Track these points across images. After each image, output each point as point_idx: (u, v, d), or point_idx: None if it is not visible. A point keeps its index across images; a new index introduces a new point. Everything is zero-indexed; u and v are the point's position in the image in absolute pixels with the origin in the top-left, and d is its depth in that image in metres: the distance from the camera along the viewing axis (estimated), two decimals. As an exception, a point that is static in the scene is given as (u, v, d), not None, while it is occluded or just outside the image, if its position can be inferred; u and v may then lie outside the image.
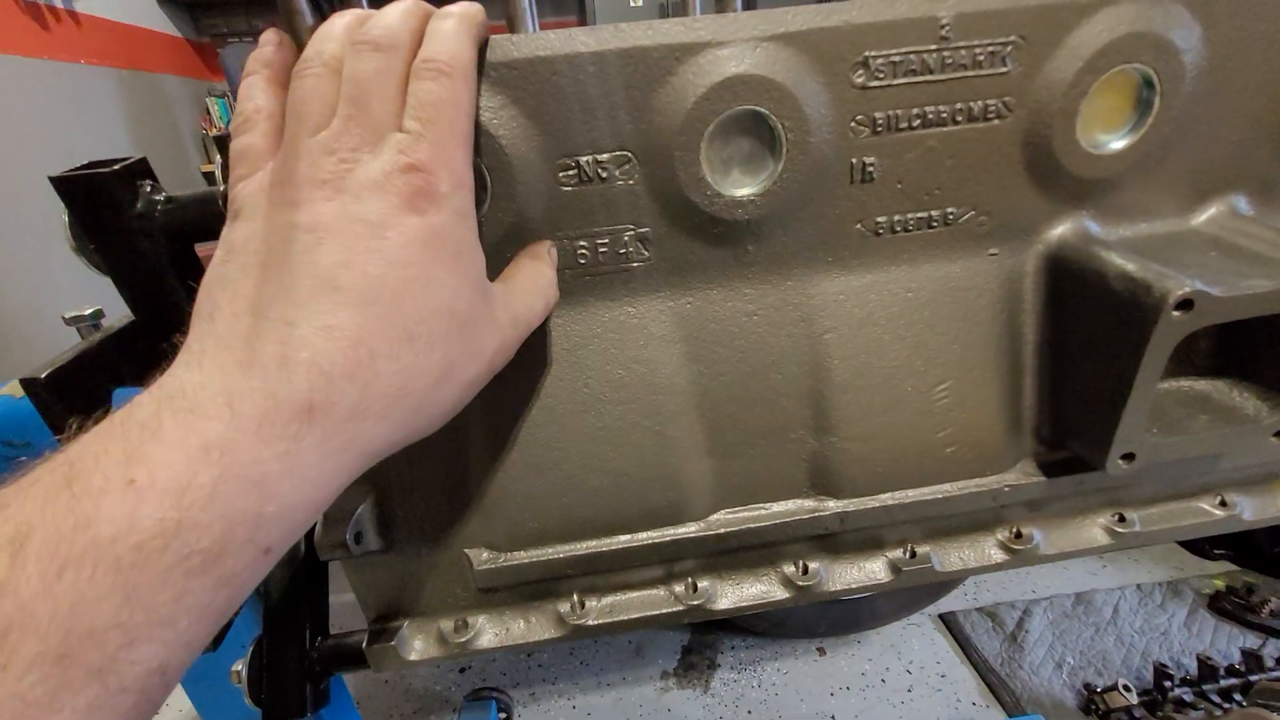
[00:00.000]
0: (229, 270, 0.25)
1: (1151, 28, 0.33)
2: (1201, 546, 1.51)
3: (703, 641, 1.37)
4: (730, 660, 1.32)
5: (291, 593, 0.39)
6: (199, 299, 0.25)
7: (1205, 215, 0.39)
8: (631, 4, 3.02)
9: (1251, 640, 1.28)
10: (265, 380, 0.21)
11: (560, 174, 0.33)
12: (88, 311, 0.39)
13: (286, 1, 0.29)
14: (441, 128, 0.25)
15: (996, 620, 1.37)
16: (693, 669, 1.32)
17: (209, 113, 3.26)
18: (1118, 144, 0.36)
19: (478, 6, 0.28)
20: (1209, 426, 0.37)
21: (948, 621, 1.37)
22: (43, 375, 0.28)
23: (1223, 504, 0.44)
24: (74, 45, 2.38)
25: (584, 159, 0.33)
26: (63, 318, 0.39)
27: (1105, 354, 0.35)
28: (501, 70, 0.30)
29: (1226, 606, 1.35)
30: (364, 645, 0.40)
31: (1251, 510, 0.44)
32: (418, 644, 0.41)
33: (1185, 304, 0.31)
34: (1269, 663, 1.16)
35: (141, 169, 0.31)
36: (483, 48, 0.30)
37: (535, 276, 0.33)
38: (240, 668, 0.39)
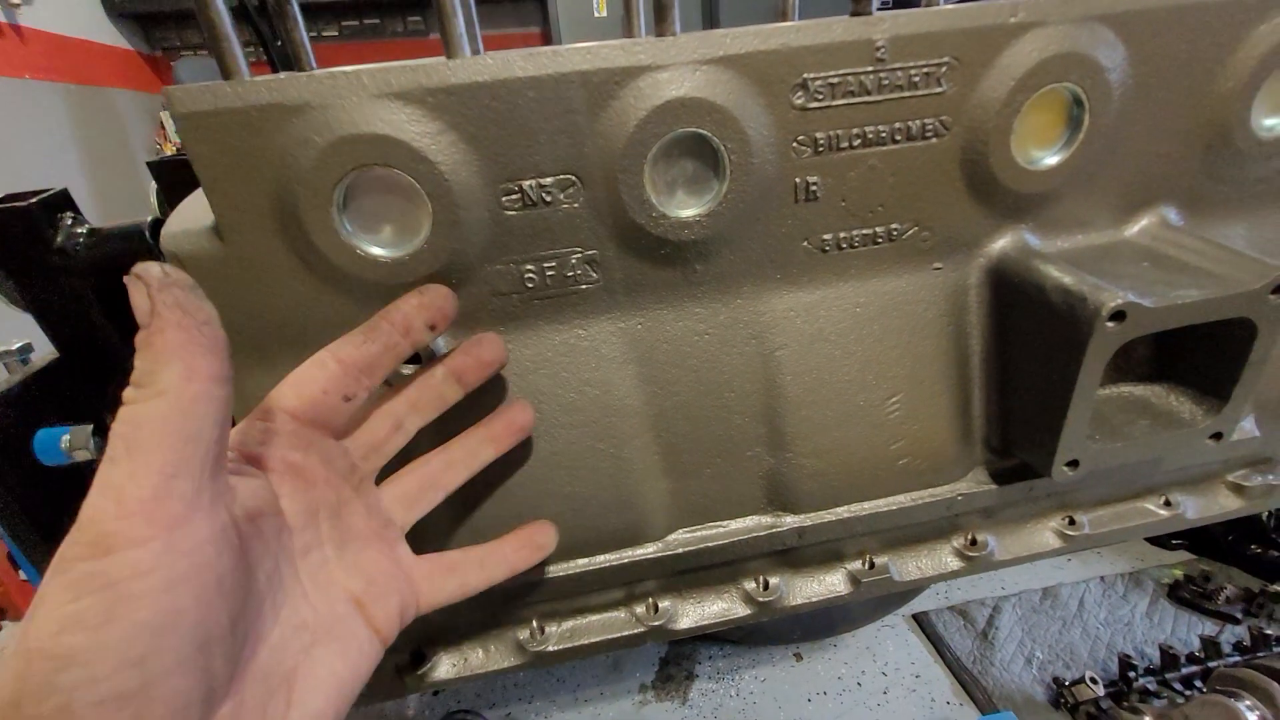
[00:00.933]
0: None
1: (1078, 48, 0.34)
2: (1159, 537, 1.56)
3: (680, 653, 1.36)
4: (708, 670, 1.32)
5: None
6: None
7: (1138, 226, 0.40)
8: (595, 14, 3.03)
9: (1209, 627, 1.32)
10: None
11: (503, 198, 0.32)
12: (15, 346, 0.38)
13: (210, 25, 0.28)
14: (121, 457, 0.20)
15: (968, 618, 1.39)
16: (670, 680, 1.31)
17: (164, 127, 3.17)
18: (1051, 159, 0.37)
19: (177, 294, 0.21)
20: (1148, 431, 0.38)
21: (921, 622, 1.39)
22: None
23: (1167, 504, 0.46)
24: (17, 60, 2.30)
25: (527, 183, 0.32)
26: (-13, 353, 0.38)
27: (1046, 364, 0.36)
28: (438, 96, 0.30)
29: (1185, 595, 1.39)
30: (316, 684, 0.38)
31: (1194, 509, 0.46)
32: (370, 681, 0.39)
33: (1118, 315, 0.32)
34: (1226, 649, 1.20)
35: (61, 200, 0.30)
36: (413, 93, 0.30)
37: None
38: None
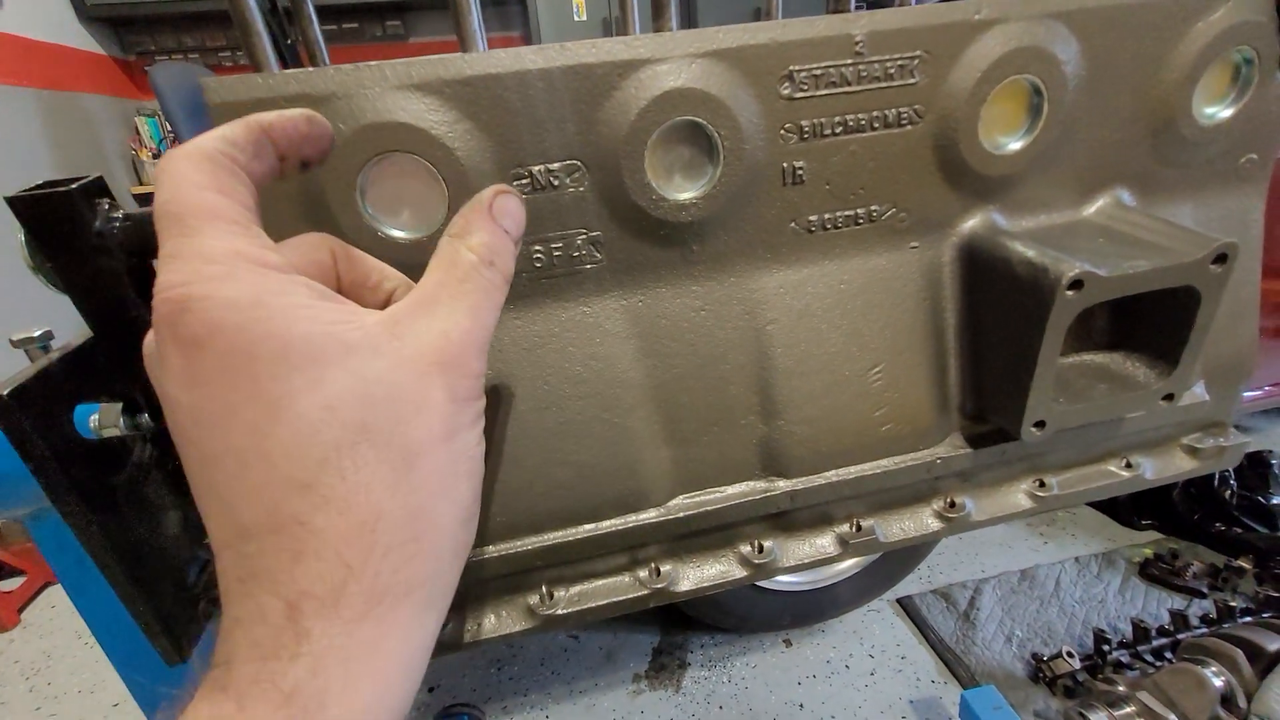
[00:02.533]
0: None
1: (1036, 42, 0.37)
2: (1129, 518, 1.62)
3: (672, 642, 1.39)
4: (700, 659, 1.35)
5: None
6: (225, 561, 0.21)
7: (1095, 206, 0.44)
8: (575, 19, 3.06)
9: (1178, 602, 1.38)
10: (236, 610, 0.20)
11: (514, 183, 0.35)
12: (37, 333, 0.39)
13: (244, 24, 0.30)
14: (174, 226, 0.21)
15: (950, 601, 1.43)
16: (664, 670, 1.33)
17: (139, 132, 3.13)
18: (1015, 145, 0.40)
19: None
20: (1107, 394, 0.41)
21: (905, 605, 1.43)
22: (5, 391, 0.28)
23: (1128, 466, 0.49)
24: (-14, 65, 2.26)
25: (536, 168, 0.35)
26: (10, 340, 0.39)
27: (1014, 331, 0.39)
28: (455, 87, 0.32)
29: (1155, 572, 1.45)
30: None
31: (1152, 470, 0.49)
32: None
33: (1076, 283, 0.36)
34: (1194, 621, 1.25)
35: (99, 187, 0.32)
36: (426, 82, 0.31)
37: (458, 253, 0.25)
38: (210, 681, 0.39)
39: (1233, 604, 1.25)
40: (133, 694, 0.48)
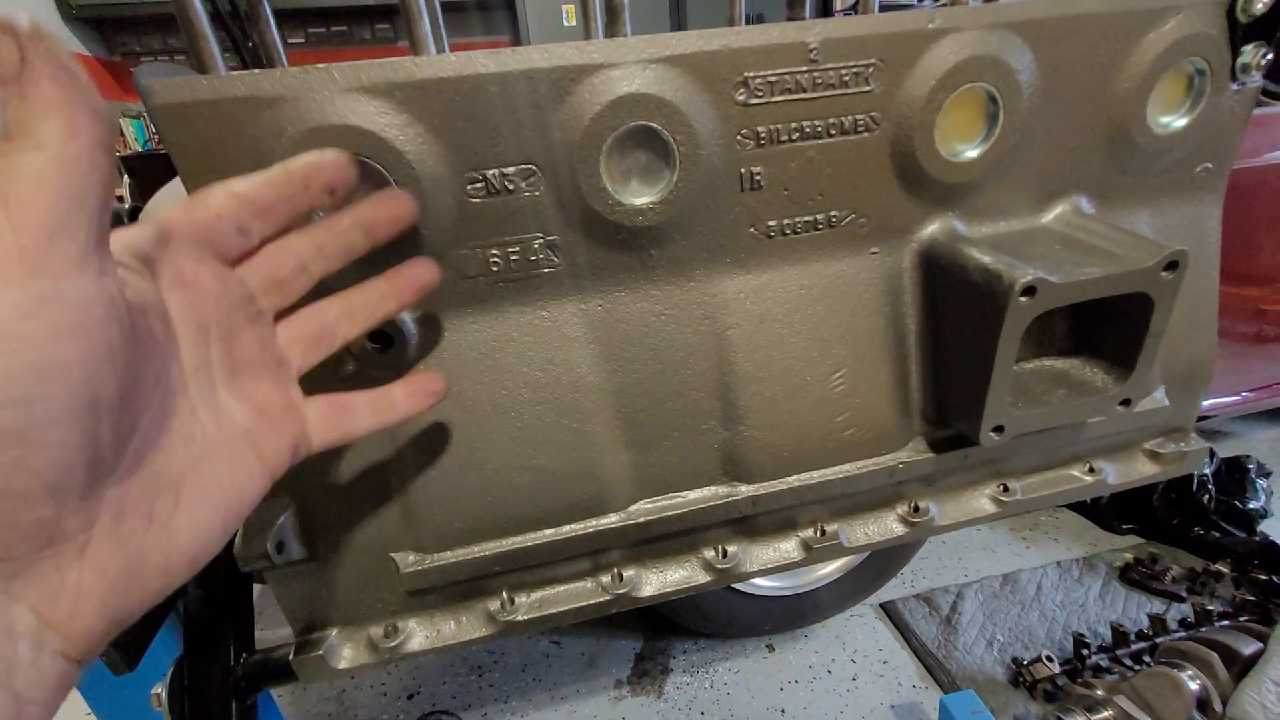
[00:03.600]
0: None
1: (990, 51, 0.38)
2: (1111, 522, 1.63)
3: (655, 648, 1.38)
4: (682, 664, 1.34)
5: (213, 609, 0.39)
6: None
7: (1053, 214, 0.44)
8: (565, 24, 3.07)
9: (1157, 606, 1.39)
10: None
11: (469, 186, 0.35)
12: None
13: (189, 26, 0.30)
14: None
15: (932, 605, 1.44)
16: (646, 675, 1.33)
17: (123, 134, 3.11)
18: (972, 152, 0.40)
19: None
20: (1065, 399, 0.42)
21: (888, 610, 1.43)
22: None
23: (1091, 470, 0.50)
24: (-31, 65, 2.24)
25: (490, 172, 0.35)
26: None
27: (971, 337, 0.39)
28: (406, 90, 0.32)
29: (1135, 577, 1.46)
30: (291, 657, 0.40)
31: (1115, 475, 0.50)
32: (347, 652, 0.41)
33: (1029, 290, 0.36)
34: (1172, 625, 1.26)
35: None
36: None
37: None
38: (160, 690, 0.38)
39: (1210, 608, 1.26)
40: (88, 700, 0.47)
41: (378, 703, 1.28)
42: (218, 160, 0.31)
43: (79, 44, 2.94)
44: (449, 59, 0.32)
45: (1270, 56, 0.41)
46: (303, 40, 3.17)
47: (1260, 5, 0.39)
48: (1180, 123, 0.43)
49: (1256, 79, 0.42)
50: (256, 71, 0.31)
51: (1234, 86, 0.42)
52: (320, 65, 0.31)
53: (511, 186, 0.35)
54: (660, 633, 1.40)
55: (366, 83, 0.32)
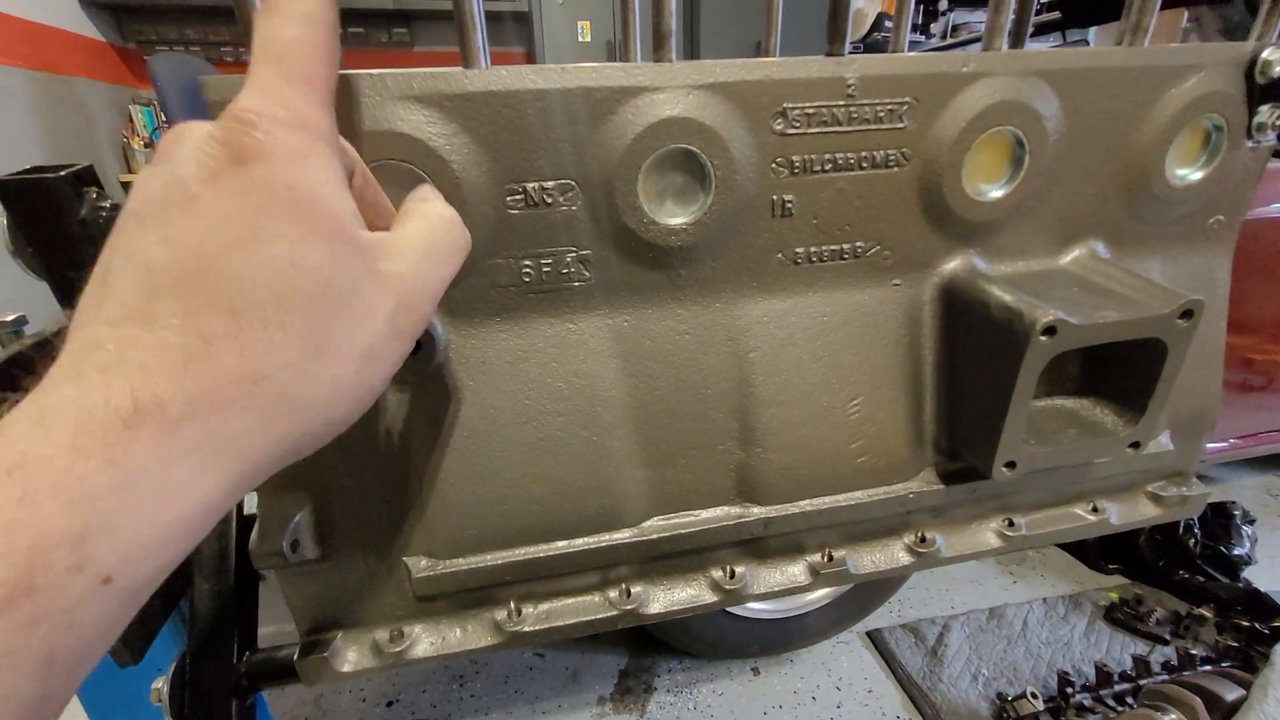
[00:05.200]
0: (87, 288, 0.22)
1: (1020, 97, 0.39)
2: (1097, 561, 1.64)
3: (639, 665, 1.37)
4: (667, 683, 1.33)
5: (218, 605, 0.39)
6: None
7: (1071, 256, 0.45)
8: (580, 39, 3.11)
9: (1141, 647, 1.40)
10: (79, 388, 0.19)
11: (508, 198, 0.35)
12: (10, 318, 0.38)
13: (250, 28, 0.30)
14: (274, 68, 0.23)
15: (919, 636, 1.43)
16: (629, 693, 1.31)
17: (132, 121, 3.10)
18: (997, 193, 0.41)
19: None
20: (1076, 439, 0.42)
21: (874, 638, 1.43)
22: (-26, 375, 0.28)
23: (1095, 510, 0.50)
24: (-20, 43, 2.24)
25: (531, 185, 0.35)
26: (-17, 323, 0.38)
27: (988, 373, 0.40)
28: (455, 101, 0.33)
29: (1119, 617, 1.46)
30: (295, 658, 0.39)
31: (1118, 515, 0.50)
32: (352, 655, 0.41)
33: (1050, 330, 0.37)
34: (1155, 667, 1.27)
35: (88, 175, 0.32)
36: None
37: (430, 217, 0.29)
38: (161, 685, 0.38)
39: (1194, 652, 1.27)
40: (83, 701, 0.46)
41: (356, 708, 1.26)
42: None
43: (95, 30, 2.94)
44: (500, 73, 0.33)
45: (1285, 117, 0.42)
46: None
47: (1278, 68, 0.41)
48: (1196, 176, 0.44)
49: (1271, 138, 0.43)
50: (312, 74, 0.31)
51: (1249, 144, 0.44)
52: (374, 71, 0.32)
53: (550, 200, 0.36)
54: (645, 650, 1.39)
55: (418, 92, 0.32)
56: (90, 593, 0.18)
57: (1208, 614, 1.41)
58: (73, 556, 0.17)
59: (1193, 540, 1.52)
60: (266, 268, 0.21)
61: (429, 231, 0.28)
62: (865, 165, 0.39)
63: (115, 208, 0.32)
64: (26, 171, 0.31)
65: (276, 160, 0.22)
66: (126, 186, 2.83)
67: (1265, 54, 0.41)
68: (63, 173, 0.30)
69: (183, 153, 0.22)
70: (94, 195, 0.32)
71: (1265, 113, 0.42)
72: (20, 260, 0.32)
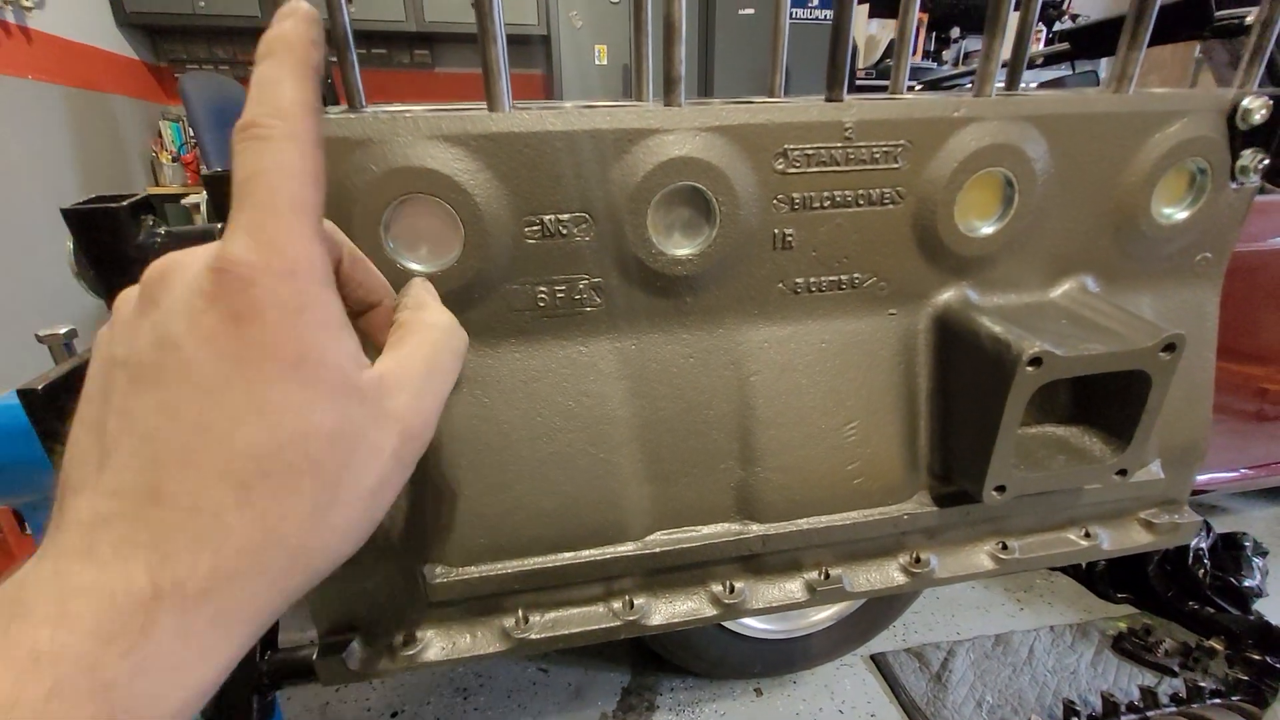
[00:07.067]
0: (77, 435, 0.21)
1: (1009, 140, 0.41)
2: (1105, 590, 1.63)
3: (642, 683, 1.37)
4: (669, 702, 1.33)
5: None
6: (61, 474, 0.22)
7: (1061, 290, 0.47)
8: (596, 62, 3.19)
9: (1149, 678, 1.38)
10: (100, 571, 0.19)
11: (526, 229, 0.38)
12: (62, 330, 0.42)
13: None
14: (260, 205, 0.21)
15: (923, 660, 1.43)
16: (631, 711, 1.32)
17: (161, 135, 3.21)
18: (988, 229, 0.43)
19: (301, 17, 0.23)
20: (1065, 465, 0.44)
21: (878, 662, 1.43)
22: (40, 387, 0.30)
23: (1087, 535, 0.52)
24: (22, 61, 2.33)
25: (547, 217, 0.38)
26: (37, 336, 0.41)
27: (979, 400, 0.42)
28: (480, 140, 0.36)
29: (1127, 647, 1.45)
30: (314, 658, 0.41)
31: (1110, 541, 0.52)
32: (367, 657, 0.43)
33: (1036, 360, 0.39)
34: (1163, 699, 1.25)
35: (145, 205, 0.35)
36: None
37: (429, 329, 0.29)
38: (188, 680, 0.40)
39: (1203, 684, 1.25)
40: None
41: (361, 718, 1.27)
42: None
43: (130, 49, 3.05)
44: (521, 115, 0.36)
45: (1267, 161, 0.44)
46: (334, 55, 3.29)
47: (1258, 116, 0.43)
48: (1182, 215, 0.46)
49: (1254, 180, 0.45)
50: (352, 115, 0.34)
51: (1233, 185, 0.46)
52: (408, 113, 0.35)
53: (565, 231, 0.38)
54: (648, 668, 1.39)
55: (446, 132, 0.35)
56: None
57: (1218, 646, 1.39)
58: None
59: (1202, 571, 1.50)
60: (274, 439, 0.21)
61: (429, 349, 0.28)
62: (862, 202, 0.41)
63: (169, 234, 0.35)
64: (91, 200, 0.34)
65: (273, 319, 0.21)
66: (154, 199, 2.92)
67: (1245, 102, 0.43)
68: (125, 202, 0.33)
69: (172, 303, 0.21)
70: (150, 223, 0.35)
71: (1248, 156, 0.44)
72: (83, 281, 0.35)
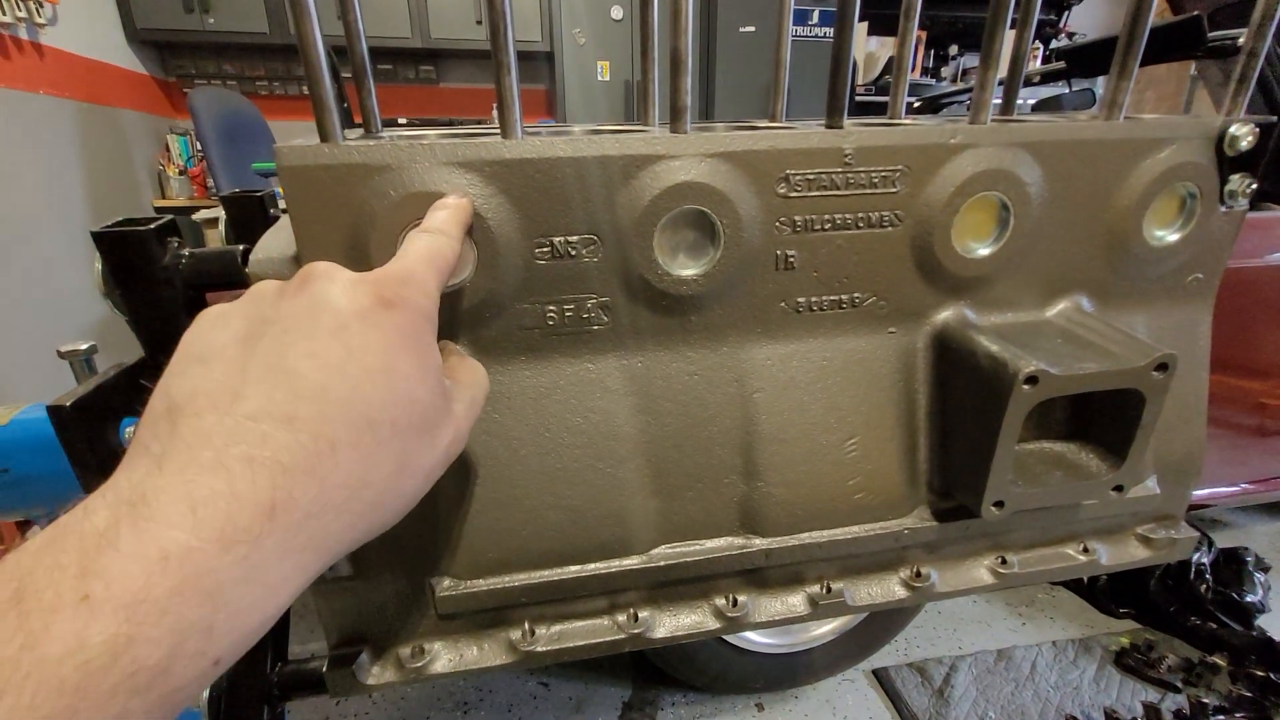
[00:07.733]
0: (191, 369, 0.25)
1: (1004, 165, 0.42)
2: (1107, 605, 1.62)
3: (644, 698, 1.37)
4: (670, 717, 1.33)
5: (259, 617, 0.42)
6: (153, 399, 0.24)
7: (1056, 309, 0.48)
8: (599, 78, 3.23)
9: (1152, 694, 1.38)
10: (230, 482, 0.21)
11: (536, 250, 0.39)
12: (83, 347, 0.43)
13: (318, 100, 0.35)
14: (419, 259, 0.31)
15: (925, 676, 1.42)
16: (633, 725, 1.31)
17: (168, 149, 3.24)
18: (984, 250, 0.45)
19: (466, 202, 0.36)
20: (1062, 481, 0.45)
21: (880, 677, 1.42)
22: (69, 403, 0.32)
23: (1085, 550, 0.52)
24: (34, 76, 2.37)
25: (557, 239, 0.39)
26: (58, 351, 0.43)
27: (977, 417, 0.43)
28: (493, 166, 0.37)
29: (1130, 663, 1.44)
30: (324, 670, 0.42)
31: (1107, 556, 0.52)
32: (376, 669, 0.43)
33: (1032, 379, 0.40)
34: (1167, 715, 1.25)
35: (171, 227, 0.36)
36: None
37: (474, 371, 0.35)
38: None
39: (1206, 701, 1.25)
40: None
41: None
42: (328, 215, 0.36)
43: (140, 65, 3.09)
44: (533, 143, 0.37)
45: (1254, 186, 0.46)
46: (348, 75, 3.33)
47: (1244, 143, 0.44)
48: (1173, 237, 0.47)
49: (1243, 204, 0.47)
50: (371, 143, 0.35)
51: (1222, 209, 0.47)
52: (425, 140, 0.36)
53: (574, 252, 0.40)
54: (649, 682, 1.39)
55: (461, 158, 0.36)
56: (203, 673, 0.20)
57: (1221, 662, 1.39)
58: (201, 643, 0.20)
59: (1204, 586, 1.50)
60: (391, 396, 0.26)
61: (477, 388, 0.34)
62: (862, 225, 0.43)
63: (192, 254, 0.37)
64: (119, 223, 0.35)
65: (411, 312, 0.28)
66: (160, 210, 2.94)
67: (1232, 129, 0.44)
68: (151, 225, 0.35)
69: (330, 287, 0.27)
70: (175, 244, 0.36)
71: (1236, 181, 0.46)
72: (110, 300, 0.36)
